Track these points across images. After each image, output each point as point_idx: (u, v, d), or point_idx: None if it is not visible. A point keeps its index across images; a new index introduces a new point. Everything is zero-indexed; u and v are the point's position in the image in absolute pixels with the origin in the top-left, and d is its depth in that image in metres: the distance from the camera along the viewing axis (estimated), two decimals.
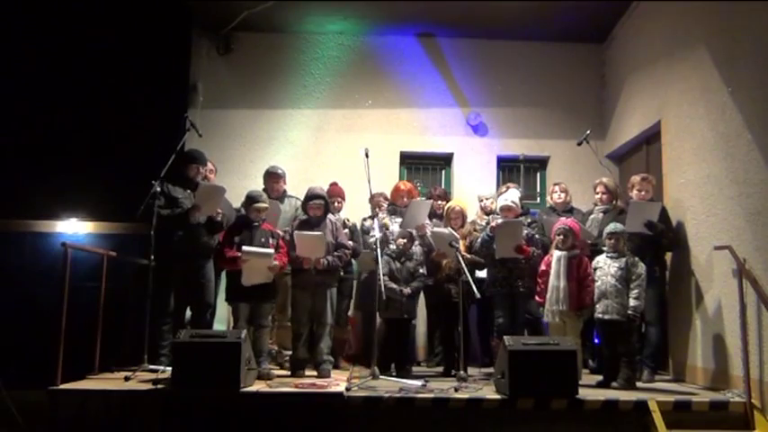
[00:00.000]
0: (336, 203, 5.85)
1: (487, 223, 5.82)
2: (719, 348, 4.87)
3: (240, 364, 4.24)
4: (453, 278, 5.22)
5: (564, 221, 5.09)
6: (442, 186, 7.17)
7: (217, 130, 7.02)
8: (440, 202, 6.12)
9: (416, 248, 5.50)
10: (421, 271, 5.43)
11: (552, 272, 4.92)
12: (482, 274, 5.61)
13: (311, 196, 5.20)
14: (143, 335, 4.85)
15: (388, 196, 6.15)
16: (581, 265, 4.92)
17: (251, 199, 5.05)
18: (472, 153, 7.30)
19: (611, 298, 4.81)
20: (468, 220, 5.88)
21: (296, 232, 5.03)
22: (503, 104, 7.36)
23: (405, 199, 6.00)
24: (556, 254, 4.95)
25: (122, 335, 5.39)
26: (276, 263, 4.92)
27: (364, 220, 6.04)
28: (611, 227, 4.96)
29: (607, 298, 4.82)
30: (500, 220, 5.26)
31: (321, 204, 5.19)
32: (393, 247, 5.41)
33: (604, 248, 4.99)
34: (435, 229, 5.42)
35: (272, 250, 4.93)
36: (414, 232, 5.47)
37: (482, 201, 6.19)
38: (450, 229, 5.39)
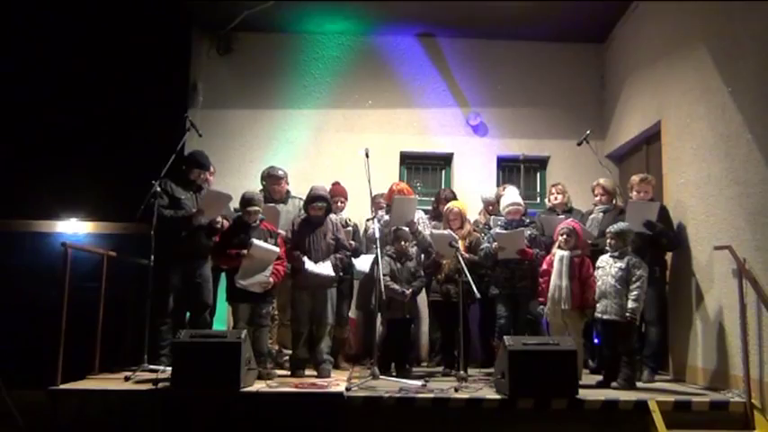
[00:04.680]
0: (339, 203, 5.84)
1: (487, 225, 5.83)
2: (719, 348, 4.87)
3: (240, 364, 4.24)
4: (453, 278, 5.22)
5: (567, 222, 5.09)
6: (442, 186, 7.17)
7: (217, 130, 7.02)
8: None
9: (415, 248, 5.50)
10: (421, 271, 5.45)
11: (554, 271, 4.92)
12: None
13: (314, 198, 5.18)
14: (143, 335, 4.85)
15: None
16: (583, 265, 4.92)
17: (244, 201, 5.04)
18: (472, 153, 7.30)
19: (610, 298, 4.80)
20: (471, 219, 5.89)
21: (254, 243, 4.88)
22: (503, 104, 7.36)
23: None
24: (558, 253, 4.95)
25: (122, 335, 5.39)
26: (271, 280, 4.92)
27: (368, 220, 6.04)
28: (615, 227, 4.95)
29: (606, 298, 4.82)
30: (499, 231, 5.25)
31: (323, 206, 5.20)
32: (390, 247, 5.41)
33: (607, 249, 4.98)
34: (434, 231, 5.42)
35: (278, 249, 4.93)
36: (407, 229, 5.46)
37: (486, 201, 6.21)
38: (449, 230, 5.38)
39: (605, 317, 4.82)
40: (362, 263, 5.77)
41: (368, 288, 5.89)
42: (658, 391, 4.66)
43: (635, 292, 4.74)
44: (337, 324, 5.54)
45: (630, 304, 4.73)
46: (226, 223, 5.17)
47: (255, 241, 4.84)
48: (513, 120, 7.35)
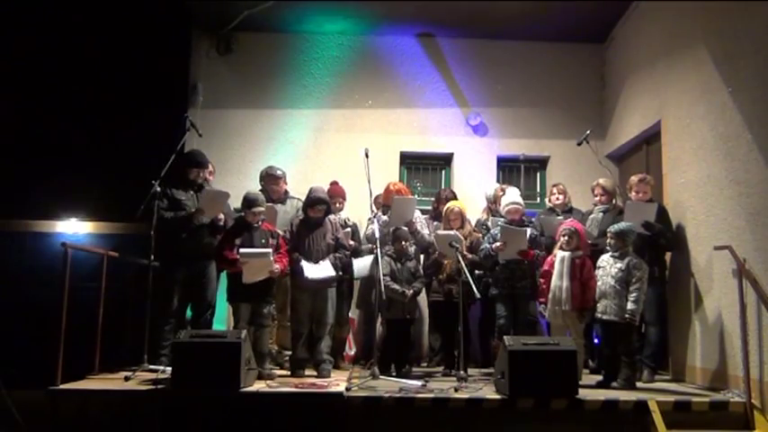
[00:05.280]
0: (338, 204, 5.83)
1: (486, 227, 5.83)
2: (719, 348, 4.87)
3: (240, 364, 4.24)
4: (454, 278, 5.22)
5: (569, 223, 5.09)
6: (442, 186, 7.17)
7: (217, 130, 7.02)
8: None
9: (414, 248, 5.51)
10: (421, 271, 5.45)
11: (555, 272, 4.92)
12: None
13: (315, 201, 5.17)
14: (143, 335, 4.86)
15: None
16: (584, 267, 4.91)
17: (248, 202, 5.01)
18: (472, 153, 7.30)
19: (610, 299, 4.80)
20: (472, 219, 5.88)
21: (242, 251, 4.85)
22: (503, 104, 7.36)
23: None
24: (559, 254, 4.95)
25: (122, 335, 5.39)
26: (277, 267, 4.91)
27: (369, 220, 6.03)
28: (616, 227, 4.93)
29: (606, 298, 4.82)
30: (505, 225, 5.25)
31: (323, 209, 5.21)
32: (389, 247, 5.41)
33: (608, 249, 4.97)
34: (439, 231, 5.42)
35: (269, 250, 4.92)
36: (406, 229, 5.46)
37: (488, 199, 6.21)
38: (455, 230, 5.37)
39: (605, 317, 4.82)
40: (361, 264, 5.75)
41: (368, 288, 5.89)
42: (658, 391, 4.66)
43: (634, 294, 4.73)
44: (337, 324, 5.54)
45: (630, 306, 4.72)
46: (228, 221, 5.18)
47: (243, 250, 4.82)
48: (513, 120, 7.35)
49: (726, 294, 4.80)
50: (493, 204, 6.12)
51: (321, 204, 5.18)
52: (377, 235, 4.99)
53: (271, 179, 5.75)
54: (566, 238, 4.96)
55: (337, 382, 4.67)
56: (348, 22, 7.21)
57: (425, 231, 5.61)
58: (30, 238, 7.19)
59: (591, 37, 7.29)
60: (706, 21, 5.21)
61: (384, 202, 5.87)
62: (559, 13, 6.74)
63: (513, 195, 5.49)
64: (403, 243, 5.38)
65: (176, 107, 6.66)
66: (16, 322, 6.51)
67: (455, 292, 5.19)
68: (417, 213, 5.74)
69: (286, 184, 5.87)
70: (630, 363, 4.78)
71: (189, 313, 5.34)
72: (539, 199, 7.30)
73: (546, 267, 5.05)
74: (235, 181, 6.58)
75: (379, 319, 5.34)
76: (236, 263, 4.82)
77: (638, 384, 4.85)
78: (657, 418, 4.13)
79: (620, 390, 4.64)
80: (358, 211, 6.27)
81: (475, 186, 6.91)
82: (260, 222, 5.05)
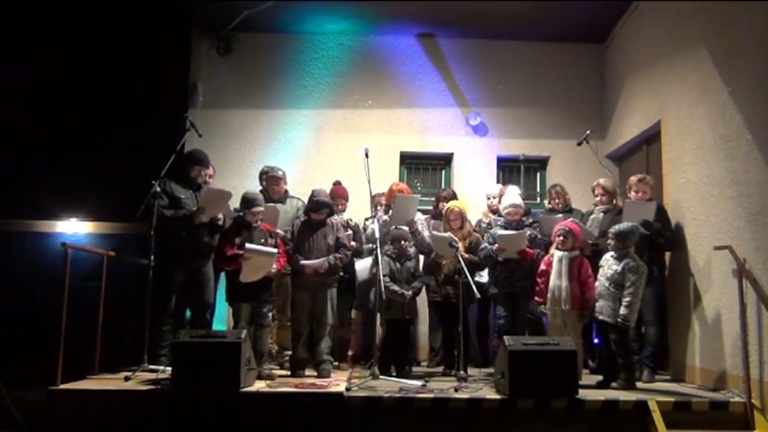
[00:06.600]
0: (340, 206, 5.82)
1: (489, 225, 5.83)
2: (719, 348, 4.87)
3: (240, 364, 4.24)
4: (451, 279, 5.22)
5: (564, 223, 5.09)
6: (443, 186, 7.17)
7: (217, 130, 7.02)
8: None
9: (414, 248, 5.51)
10: (420, 270, 5.45)
11: (553, 272, 4.91)
12: (481, 279, 5.64)
13: (318, 206, 5.17)
14: (143, 335, 4.86)
15: None
16: (582, 266, 4.91)
17: (247, 202, 5.01)
18: (472, 153, 7.30)
19: (604, 300, 4.80)
20: (472, 219, 5.88)
21: (248, 246, 4.85)
22: (503, 104, 7.36)
23: None
24: (557, 254, 4.95)
25: (122, 335, 5.39)
26: (275, 266, 4.92)
27: (367, 219, 6.04)
28: (615, 228, 4.88)
29: (602, 298, 4.82)
30: (501, 232, 5.25)
31: (326, 212, 5.23)
32: (388, 247, 5.41)
33: (608, 249, 4.96)
34: (434, 232, 5.42)
35: (275, 249, 4.93)
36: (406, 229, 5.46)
37: (489, 199, 6.22)
38: (449, 231, 5.36)
39: (600, 317, 4.83)
40: (361, 266, 5.75)
41: (366, 288, 5.89)
42: (658, 392, 4.66)
43: (627, 299, 4.69)
44: (340, 324, 5.54)
45: (622, 311, 4.69)
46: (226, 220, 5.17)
47: (249, 245, 4.83)
48: (513, 120, 7.35)
49: (726, 294, 4.80)
50: (498, 204, 6.12)
51: (324, 208, 5.19)
52: (377, 235, 4.99)
53: (272, 180, 5.75)
54: (560, 238, 4.96)
55: (337, 382, 4.67)
56: (348, 22, 7.22)
57: (426, 233, 5.60)
58: (30, 238, 7.17)
59: (591, 37, 7.29)
60: (706, 21, 5.21)
61: (387, 202, 5.87)
62: (559, 13, 6.74)
63: (511, 197, 5.49)
64: (402, 243, 5.38)
65: (176, 107, 6.66)
66: (16, 322, 6.50)
67: (453, 294, 5.19)
68: (419, 215, 5.74)
69: (286, 184, 5.87)
70: (627, 364, 4.77)
71: (188, 313, 5.34)
72: (539, 199, 7.30)
73: (543, 267, 5.05)
74: (235, 181, 6.58)
75: (379, 320, 5.33)
76: (239, 258, 4.81)
77: (638, 384, 4.85)
78: (657, 418, 4.13)
79: (620, 390, 4.64)
80: (358, 211, 6.26)
81: (475, 186, 6.91)
82: (259, 222, 5.05)
